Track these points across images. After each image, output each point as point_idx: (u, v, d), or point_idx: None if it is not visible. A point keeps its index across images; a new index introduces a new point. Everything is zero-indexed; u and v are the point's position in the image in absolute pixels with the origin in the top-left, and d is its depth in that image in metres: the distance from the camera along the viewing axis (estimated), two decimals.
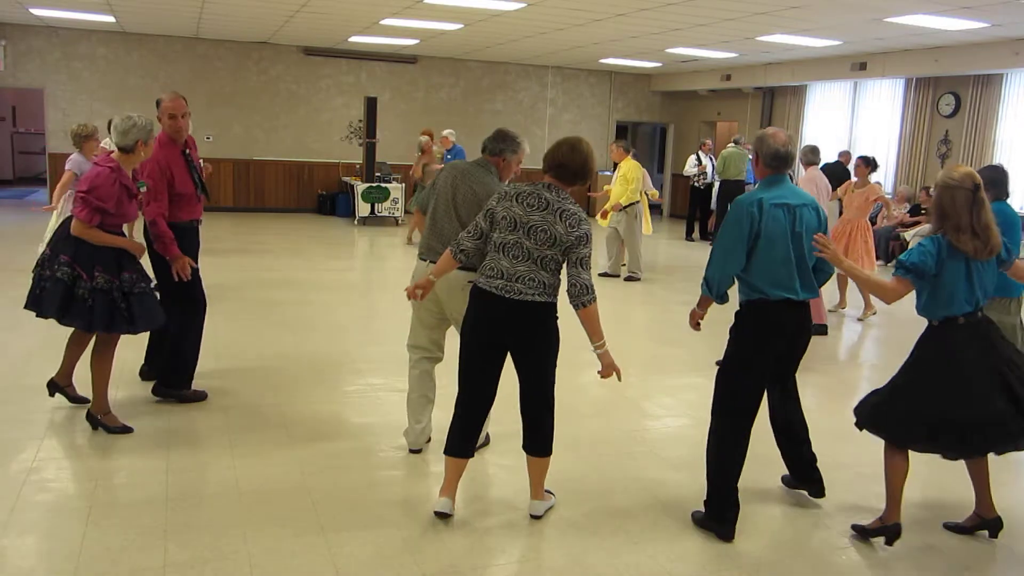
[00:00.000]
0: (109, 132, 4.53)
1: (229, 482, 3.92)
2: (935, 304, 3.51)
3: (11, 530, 3.38)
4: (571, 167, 3.56)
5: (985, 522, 3.70)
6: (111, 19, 12.56)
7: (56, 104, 14.01)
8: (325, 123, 15.58)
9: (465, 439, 3.62)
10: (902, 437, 3.52)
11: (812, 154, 7.76)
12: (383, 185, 14.12)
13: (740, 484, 3.65)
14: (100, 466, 4.09)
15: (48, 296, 4.27)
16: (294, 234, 12.80)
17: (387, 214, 14.27)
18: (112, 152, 4.42)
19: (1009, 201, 4.86)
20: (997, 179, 5.47)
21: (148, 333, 5.01)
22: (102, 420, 4.48)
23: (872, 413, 3.62)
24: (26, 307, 4.40)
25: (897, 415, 3.51)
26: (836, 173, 11.02)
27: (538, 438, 3.64)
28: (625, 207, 9.88)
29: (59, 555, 3.20)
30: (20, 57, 13.71)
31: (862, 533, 3.63)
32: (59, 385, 4.73)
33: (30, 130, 18.29)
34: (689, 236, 14.73)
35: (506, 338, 3.54)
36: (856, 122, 13.83)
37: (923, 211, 12.00)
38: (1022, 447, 3.48)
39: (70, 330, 4.65)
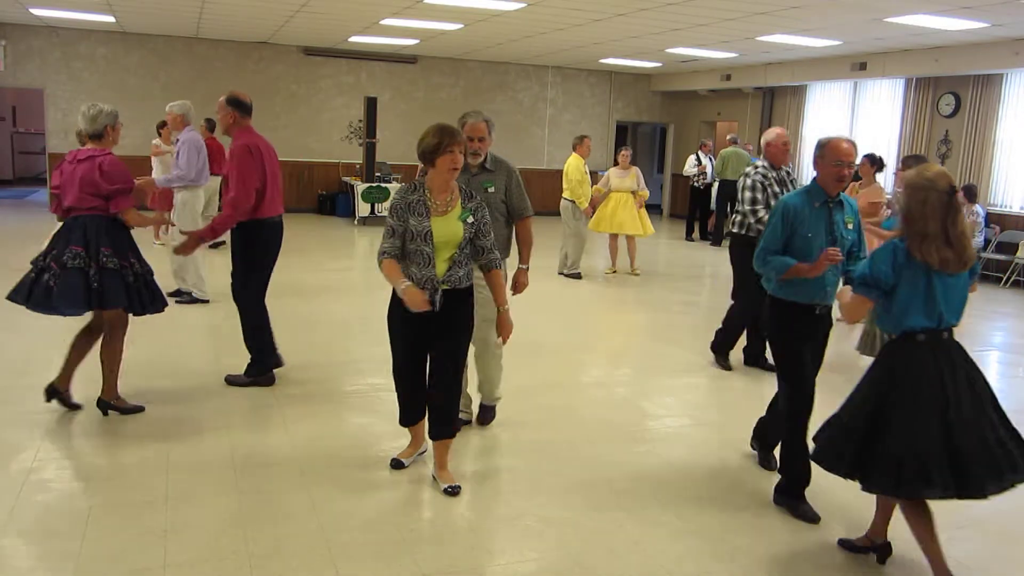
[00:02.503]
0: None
1: (229, 482, 3.92)
2: (888, 316, 3.19)
3: (11, 530, 3.38)
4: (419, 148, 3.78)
5: (875, 546, 3.45)
6: (111, 19, 12.56)
7: (56, 104, 14.00)
8: (325, 123, 15.58)
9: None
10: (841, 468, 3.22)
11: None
12: (383, 185, 14.12)
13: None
14: (100, 466, 4.09)
15: (112, 289, 4.45)
16: (294, 234, 12.73)
17: (387, 214, 14.25)
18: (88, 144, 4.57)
19: (1008, 200, 4.91)
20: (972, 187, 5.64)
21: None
22: (115, 404, 4.66)
23: (825, 447, 3.33)
24: (67, 310, 4.48)
25: (842, 444, 3.21)
26: None
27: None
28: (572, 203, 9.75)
29: (59, 555, 3.20)
30: (20, 57, 13.71)
31: (850, 548, 3.51)
32: (58, 390, 4.72)
33: (30, 130, 18.29)
34: (689, 236, 14.73)
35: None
36: (856, 122, 13.83)
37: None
38: (949, 495, 3.01)
39: (70, 332, 4.67)
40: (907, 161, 6.24)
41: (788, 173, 6.02)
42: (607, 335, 7.64)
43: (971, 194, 10.05)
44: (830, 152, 3.75)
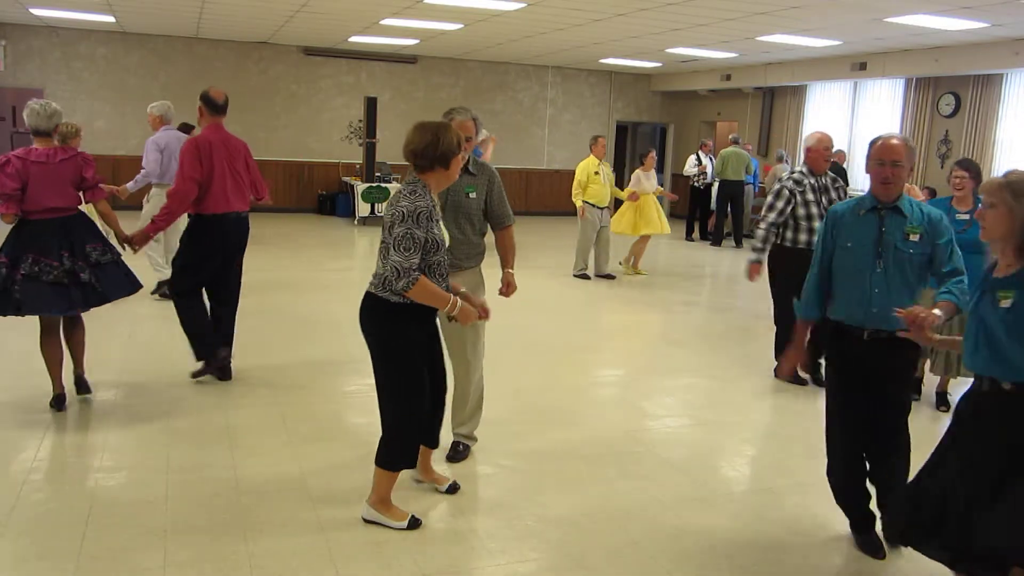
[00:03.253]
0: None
1: (229, 482, 3.92)
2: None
3: (11, 530, 3.38)
4: (415, 148, 3.34)
5: None
6: (111, 19, 12.55)
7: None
8: (325, 123, 15.57)
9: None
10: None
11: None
12: (383, 185, 14.11)
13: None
14: (100, 466, 4.09)
15: (112, 282, 4.63)
16: (294, 234, 12.80)
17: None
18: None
19: None
20: (978, 173, 5.43)
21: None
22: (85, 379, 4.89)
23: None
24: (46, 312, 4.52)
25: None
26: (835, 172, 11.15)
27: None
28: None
29: (59, 555, 3.20)
30: (20, 57, 13.70)
31: None
32: (62, 394, 4.73)
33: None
34: (689, 236, 14.73)
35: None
36: (856, 122, 13.82)
37: None
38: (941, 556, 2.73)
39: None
40: (964, 164, 5.31)
41: (835, 180, 5.85)
42: (607, 335, 7.64)
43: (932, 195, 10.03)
44: (873, 151, 3.36)
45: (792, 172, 5.86)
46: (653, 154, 10.65)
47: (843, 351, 3.44)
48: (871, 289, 3.29)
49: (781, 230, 5.82)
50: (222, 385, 5.31)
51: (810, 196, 5.69)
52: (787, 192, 5.70)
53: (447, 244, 3.43)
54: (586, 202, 9.85)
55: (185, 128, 10.09)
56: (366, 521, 3.52)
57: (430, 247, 3.29)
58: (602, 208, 9.90)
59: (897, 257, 3.27)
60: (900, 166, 3.27)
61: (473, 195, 4.06)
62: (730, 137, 14.26)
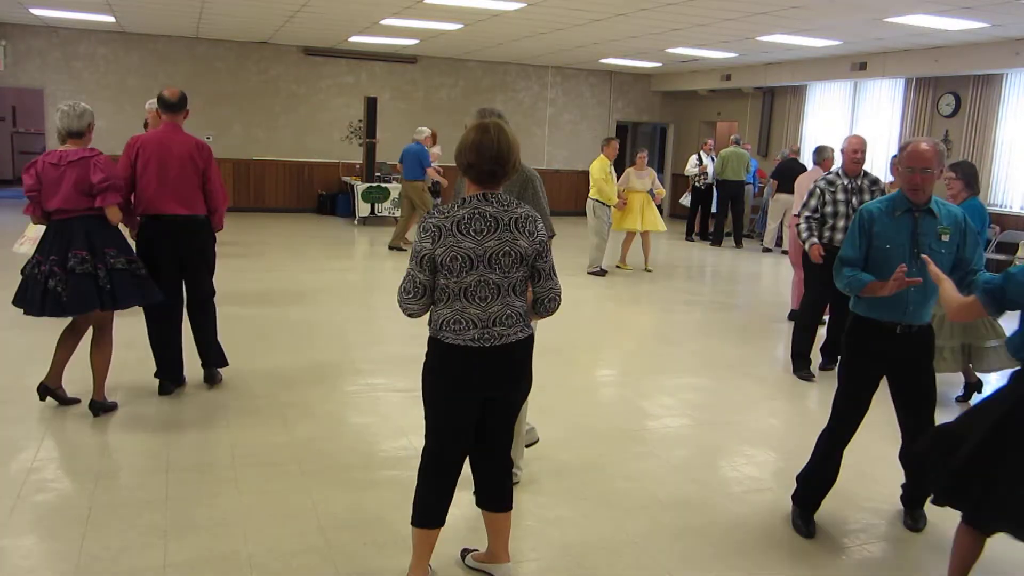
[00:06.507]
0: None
1: (229, 482, 3.92)
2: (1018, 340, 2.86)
3: (11, 530, 3.38)
4: (485, 166, 2.78)
5: None
6: (111, 19, 12.55)
7: (56, 104, 13.94)
8: (325, 123, 15.57)
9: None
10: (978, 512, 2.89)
11: (817, 154, 8.06)
12: (383, 185, 14.12)
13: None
14: (100, 466, 4.09)
15: (124, 288, 4.53)
16: (294, 234, 12.80)
17: (387, 214, 14.26)
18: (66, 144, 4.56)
19: (1008, 200, 4.86)
20: (974, 174, 5.48)
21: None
22: (104, 404, 4.71)
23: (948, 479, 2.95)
24: (53, 312, 4.48)
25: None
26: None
27: (505, 491, 3.12)
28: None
29: (59, 555, 3.20)
30: (20, 57, 13.71)
31: None
32: (50, 388, 4.75)
33: (30, 130, 18.27)
34: (689, 236, 14.74)
35: (489, 390, 2.91)
36: (856, 122, 13.83)
37: None
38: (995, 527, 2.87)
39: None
40: (952, 166, 5.45)
41: (873, 183, 6.02)
42: (607, 335, 7.63)
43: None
44: (904, 157, 3.41)
45: (829, 173, 6.15)
46: (643, 154, 10.91)
47: (870, 347, 3.53)
48: (908, 288, 3.35)
49: (817, 226, 6.07)
50: (222, 385, 5.31)
51: (840, 196, 5.95)
52: (819, 191, 6.01)
53: None
54: (597, 200, 10.11)
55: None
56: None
57: None
58: (610, 207, 10.23)
59: (933, 258, 3.30)
60: (929, 172, 3.35)
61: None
62: (731, 138, 14.27)
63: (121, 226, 4.68)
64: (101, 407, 4.68)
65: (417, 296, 2.83)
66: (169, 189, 4.90)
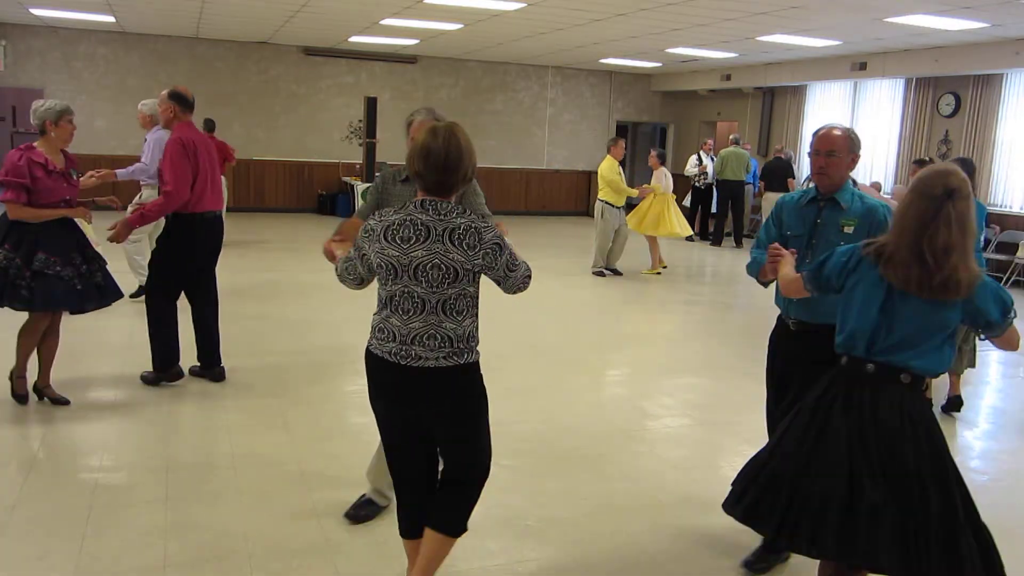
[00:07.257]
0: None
1: (229, 482, 3.92)
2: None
3: (11, 530, 3.38)
4: (431, 176, 2.56)
5: None
6: (111, 19, 12.55)
7: None
8: (325, 123, 15.57)
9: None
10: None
11: None
12: None
13: None
14: (99, 466, 4.09)
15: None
16: (294, 234, 12.80)
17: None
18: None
19: (1008, 200, 4.83)
20: (972, 171, 5.42)
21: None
22: (49, 393, 4.78)
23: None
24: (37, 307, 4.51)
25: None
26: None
27: (450, 512, 2.84)
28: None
29: (59, 555, 3.20)
30: (20, 57, 13.71)
31: None
32: (42, 390, 4.78)
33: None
34: (689, 236, 14.71)
35: (414, 407, 2.70)
36: (856, 122, 13.82)
37: None
38: (825, 553, 2.64)
39: (72, 332, 4.71)
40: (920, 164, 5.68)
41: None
42: (607, 335, 7.63)
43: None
44: (813, 140, 3.24)
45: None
46: (652, 153, 10.92)
47: (775, 344, 3.45)
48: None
49: None
50: (222, 385, 5.31)
51: None
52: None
53: None
54: (607, 203, 10.08)
55: (209, 125, 10.24)
56: None
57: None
58: (618, 208, 10.15)
59: (828, 249, 3.00)
60: (835, 156, 3.14)
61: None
62: (731, 138, 14.27)
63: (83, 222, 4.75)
64: (43, 392, 4.78)
65: (355, 281, 2.85)
66: (214, 187, 5.18)
